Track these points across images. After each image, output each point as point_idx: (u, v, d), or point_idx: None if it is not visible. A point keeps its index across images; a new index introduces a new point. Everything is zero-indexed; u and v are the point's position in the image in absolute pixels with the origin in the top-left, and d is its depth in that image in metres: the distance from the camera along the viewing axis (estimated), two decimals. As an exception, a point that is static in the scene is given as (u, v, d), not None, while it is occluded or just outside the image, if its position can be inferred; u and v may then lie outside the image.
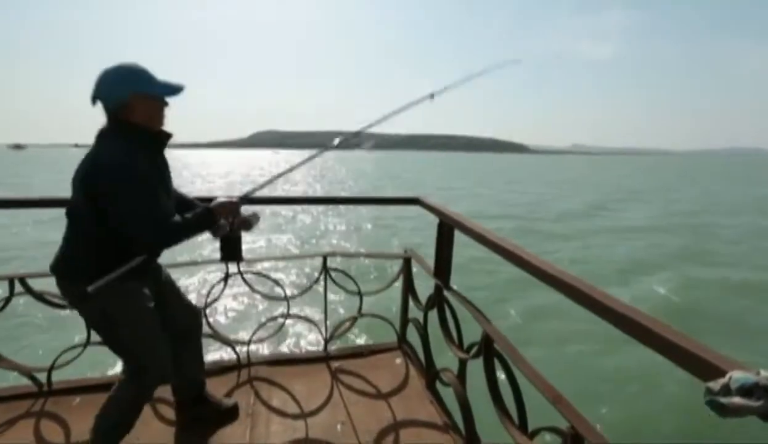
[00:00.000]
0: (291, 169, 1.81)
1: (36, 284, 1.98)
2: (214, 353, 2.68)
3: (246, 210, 1.67)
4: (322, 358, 2.41)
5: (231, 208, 1.58)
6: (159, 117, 1.45)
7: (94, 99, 1.36)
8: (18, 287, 1.96)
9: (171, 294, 1.70)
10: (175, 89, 1.45)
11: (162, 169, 1.49)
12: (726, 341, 5.61)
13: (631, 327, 0.88)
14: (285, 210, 15.30)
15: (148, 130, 1.42)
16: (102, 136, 1.38)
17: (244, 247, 2.16)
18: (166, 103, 1.46)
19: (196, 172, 45.80)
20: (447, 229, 1.99)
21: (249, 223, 1.69)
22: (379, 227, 13.69)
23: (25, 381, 2.05)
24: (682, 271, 9.07)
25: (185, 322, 1.74)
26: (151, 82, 1.40)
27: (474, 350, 1.66)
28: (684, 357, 0.76)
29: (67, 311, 2.01)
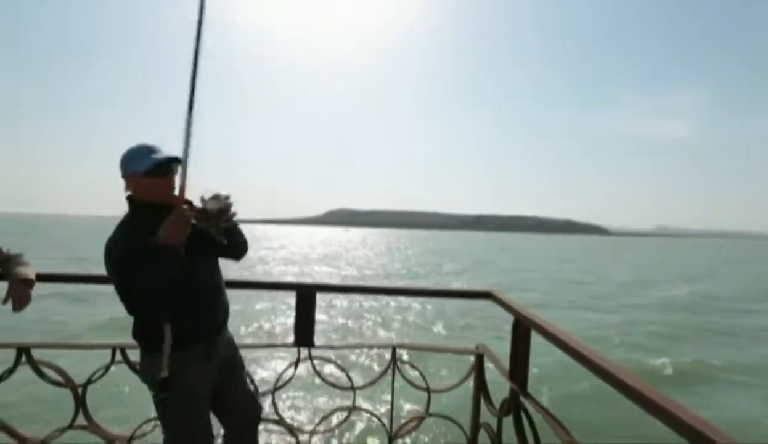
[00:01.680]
0: None
1: (133, 354, 2.17)
2: (276, 438, 2.65)
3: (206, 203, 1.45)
4: None
5: (174, 223, 1.36)
6: (156, 191, 1.48)
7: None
8: (118, 356, 2.16)
9: (239, 382, 1.74)
10: (158, 163, 1.45)
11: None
12: None
13: None
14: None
15: (147, 205, 1.48)
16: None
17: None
18: (164, 176, 1.48)
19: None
20: (523, 329, 1.89)
21: (214, 215, 1.43)
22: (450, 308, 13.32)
23: None
24: None
25: (245, 414, 1.75)
26: (136, 160, 1.47)
27: None
28: None
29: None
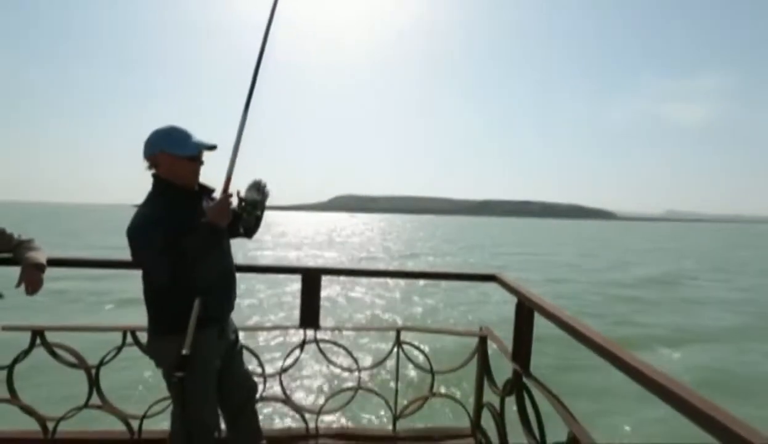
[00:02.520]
0: None
1: (144, 337, 2.22)
2: (284, 418, 2.71)
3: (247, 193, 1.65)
4: (391, 438, 2.32)
5: (222, 207, 1.48)
6: (184, 174, 1.56)
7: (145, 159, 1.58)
8: (129, 339, 2.21)
9: (236, 366, 1.79)
10: (194, 148, 1.55)
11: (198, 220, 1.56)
12: None
13: None
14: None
15: (178, 187, 1.55)
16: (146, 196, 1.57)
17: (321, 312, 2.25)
18: (197, 161, 1.58)
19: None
20: (526, 310, 1.90)
21: (255, 204, 1.63)
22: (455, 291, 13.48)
23: (120, 426, 2.24)
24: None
25: (241, 398, 1.81)
26: (172, 142, 1.53)
27: None
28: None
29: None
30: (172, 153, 1.53)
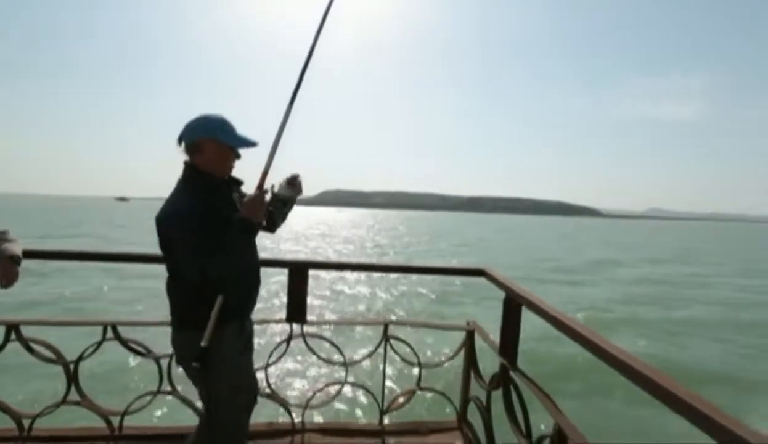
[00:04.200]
0: None
1: (125, 332, 2.16)
2: (269, 414, 2.68)
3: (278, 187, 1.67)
4: (378, 432, 2.30)
5: (258, 203, 1.47)
6: (225, 164, 1.55)
7: (180, 140, 1.53)
8: (109, 333, 2.16)
9: (249, 363, 1.74)
10: (244, 142, 1.54)
11: (232, 214, 1.53)
12: None
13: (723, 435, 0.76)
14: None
15: (212, 176, 1.52)
16: (177, 184, 1.52)
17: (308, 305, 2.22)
18: (236, 154, 1.56)
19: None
20: (514, 305, 1.90)
21: (285, 201, 1.67)
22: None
23: (100, 423, 2.18)
24: None
25: (253, 391, 1.76)
26: (224, 131, 1.51)
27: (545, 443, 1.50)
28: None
29: (143, 358, 2.17)
30: (222, 141, 1.50)
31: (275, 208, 1.67)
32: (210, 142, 1.49)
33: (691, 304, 13.58)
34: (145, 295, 9.77)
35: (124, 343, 2.16)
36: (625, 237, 59.71)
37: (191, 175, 1.51)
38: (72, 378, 2.10)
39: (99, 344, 2.15)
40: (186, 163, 1.53)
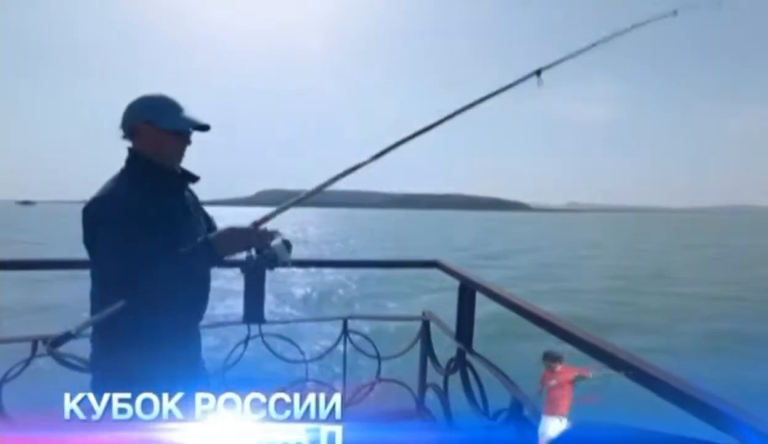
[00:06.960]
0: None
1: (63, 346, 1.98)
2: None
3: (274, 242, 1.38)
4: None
5: (238, 239, 1.30)
6: (170, 151, 1.35)
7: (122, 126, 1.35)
8: (40, 349, 1.96)
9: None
10: (186, 123, 1.35)
11: (182, 213, 1.37)
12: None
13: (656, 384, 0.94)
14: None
15: (158, 166, 1.33)
16: (116, 173, 1.33)
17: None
18: (185, 139, 1.37)
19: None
20: (468, 292, 2.03)
21: (275, 259, 1.35)
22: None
23: None
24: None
25: None
26: (165, 112, 1.33)
27: (502, 416, 1.63)
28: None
29: (85, 374, 2.00)
30: (157, 125, 1.31)
31: (263, 260, 1.37)
32: (143, 126, 1.31)
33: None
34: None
35: (61, 359, 1.97)
36: (533, 228, 66.04)
37: (132, 159, 1.33)
38: None
39: (27, 362, 1.95)
40: (129, 149, 1.35)
